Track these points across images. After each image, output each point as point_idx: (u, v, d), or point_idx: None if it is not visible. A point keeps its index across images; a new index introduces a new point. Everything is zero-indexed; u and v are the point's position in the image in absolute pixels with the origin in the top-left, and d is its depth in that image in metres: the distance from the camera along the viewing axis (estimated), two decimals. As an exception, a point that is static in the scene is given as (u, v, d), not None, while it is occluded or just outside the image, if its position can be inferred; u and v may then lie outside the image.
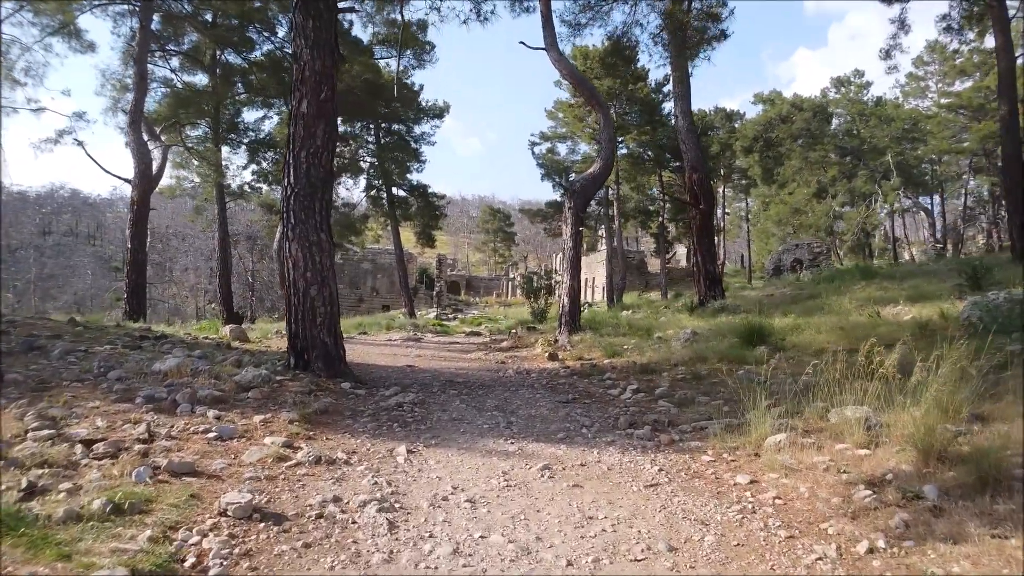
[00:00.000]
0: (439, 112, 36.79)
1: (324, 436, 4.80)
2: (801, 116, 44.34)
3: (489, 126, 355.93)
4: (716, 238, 52.63)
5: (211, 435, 4.31)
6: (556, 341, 11.87)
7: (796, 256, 29.00)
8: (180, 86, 22.43)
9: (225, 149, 28.53)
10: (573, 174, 46.31)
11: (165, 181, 20.75)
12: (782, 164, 47.64)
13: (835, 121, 48.59)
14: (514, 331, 14.57)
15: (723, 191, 54.78)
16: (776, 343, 9.31)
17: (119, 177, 17.25)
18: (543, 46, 13.32)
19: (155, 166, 17.70)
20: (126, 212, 17.35)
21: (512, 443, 4.87)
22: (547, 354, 10.45)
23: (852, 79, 51.31)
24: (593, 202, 47.08)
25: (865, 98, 50.03)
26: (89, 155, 18.05)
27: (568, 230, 12.43)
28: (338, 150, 34.62)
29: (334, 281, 7.13)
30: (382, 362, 9.97)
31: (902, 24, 18.59)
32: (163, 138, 18.86)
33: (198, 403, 5.00)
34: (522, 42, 14.07)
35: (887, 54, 19.53)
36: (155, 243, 45.97)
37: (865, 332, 9.53)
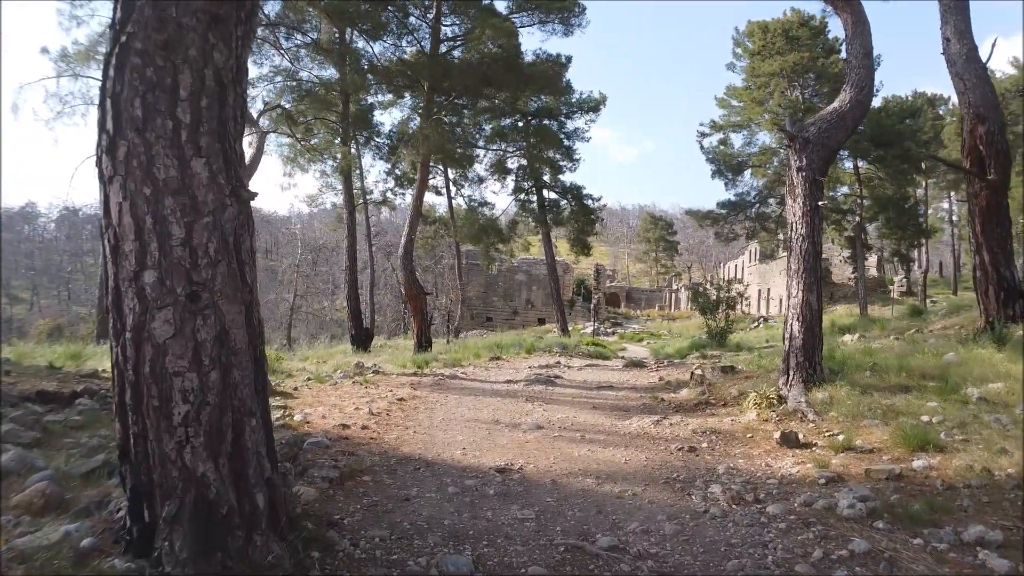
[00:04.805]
0: (594, 105, 32.45)
1: None
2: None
3: (646, 134, 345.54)
4: (924, 241, 43.27)
5: None
6: (781, 399, 6.70)
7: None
8: (308, 77, 20.12)
9: (367, 156, 26.30)
10: (750, 169, 38.91)
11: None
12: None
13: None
14: (698, 372, 9.45)
15: (925, 188, 47.27)
16: None
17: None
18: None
19: (249, 155, 14.93)
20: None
21: None
22: (777, 434, 5.44)
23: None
24: (772, 200, 39.19)
25: None
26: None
27: (798, 206, 7.12)
28: (484, 148, 31.42)
29: (243, 297, 2.47)
30: (455, 451, 5.32)
31: None
32: (261, 124, 16.10)
33: None
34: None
35: None
36: (306, 255, 46.01)
37: None
